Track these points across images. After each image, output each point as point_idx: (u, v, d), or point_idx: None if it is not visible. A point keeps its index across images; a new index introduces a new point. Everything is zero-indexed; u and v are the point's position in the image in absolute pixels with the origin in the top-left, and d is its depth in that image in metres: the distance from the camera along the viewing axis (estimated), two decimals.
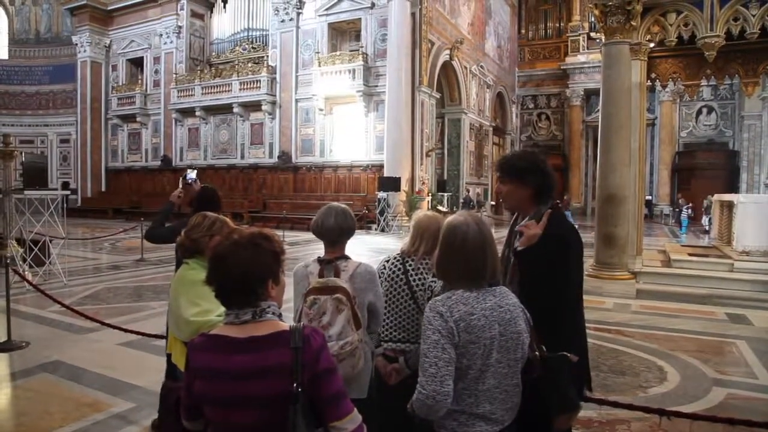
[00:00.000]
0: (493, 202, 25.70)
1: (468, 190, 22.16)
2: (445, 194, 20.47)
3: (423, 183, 18.33)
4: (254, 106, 22.23)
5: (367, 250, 11.79)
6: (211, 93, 23.10)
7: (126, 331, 4.56)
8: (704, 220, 19.19)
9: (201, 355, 1.34)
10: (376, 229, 17.12)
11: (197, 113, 23.65)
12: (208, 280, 1.37)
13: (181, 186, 3.44)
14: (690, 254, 9.07)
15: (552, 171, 2.01)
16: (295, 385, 1.27)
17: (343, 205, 2.29)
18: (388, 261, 2.40)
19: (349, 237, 2.25)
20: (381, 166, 18.53)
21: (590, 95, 27.26)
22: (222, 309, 2.01)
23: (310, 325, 1.95)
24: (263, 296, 1.36)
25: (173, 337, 2.23)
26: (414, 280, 2.28)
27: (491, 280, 1.62)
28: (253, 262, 1.34)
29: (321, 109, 20.66)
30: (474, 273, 1.59)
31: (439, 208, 17.61)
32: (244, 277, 1.32)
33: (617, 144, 7.30)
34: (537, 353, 1.67)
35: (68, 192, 14.12)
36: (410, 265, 2.31)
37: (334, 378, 1.34)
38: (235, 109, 22.52)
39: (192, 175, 3.49)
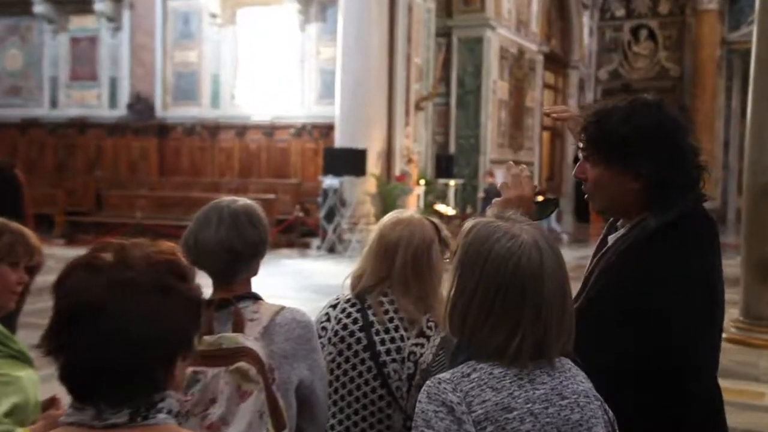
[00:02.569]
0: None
1: (492, 174, 22.10)
2: (452, 182, 20.70)
3: (409, 161, 18.50)
4: (78, 5, 22.13)
5: (302, 288, 11.91)
6: None
7: None
8: None
9: None
10: (319, 248, 17.27)
11: None
12: (48, 347, 1.35)
13: None
14: None
15: (694, 142, 2.05)
16: None
17: (243, 202, 2.35)
18: (334, 306, 2.52)
19: (253, 262, 2.32)
20: (330, 128, 18.68)
21: None
22: (1, 410, 2.04)
23: (188, 424, 1.99)
24: (162, 385, 1.38)
25: None
26: (383, 341, 2.36)
27: (563, 349, 1.65)
28: (160, 321, 1.35)
29: (214, 15, 20.81)
30: (543, 338, 1.59)
31: (438, 208, 17.67)
32: (139, 355, 1.33)
33: None
34: None
35: None
36: (374, 314, 2.38)
37: None
38: (38, 8, 22.42)
39: None
